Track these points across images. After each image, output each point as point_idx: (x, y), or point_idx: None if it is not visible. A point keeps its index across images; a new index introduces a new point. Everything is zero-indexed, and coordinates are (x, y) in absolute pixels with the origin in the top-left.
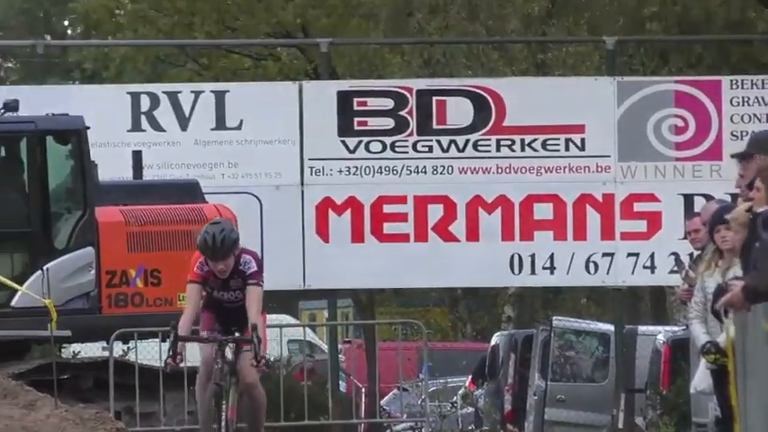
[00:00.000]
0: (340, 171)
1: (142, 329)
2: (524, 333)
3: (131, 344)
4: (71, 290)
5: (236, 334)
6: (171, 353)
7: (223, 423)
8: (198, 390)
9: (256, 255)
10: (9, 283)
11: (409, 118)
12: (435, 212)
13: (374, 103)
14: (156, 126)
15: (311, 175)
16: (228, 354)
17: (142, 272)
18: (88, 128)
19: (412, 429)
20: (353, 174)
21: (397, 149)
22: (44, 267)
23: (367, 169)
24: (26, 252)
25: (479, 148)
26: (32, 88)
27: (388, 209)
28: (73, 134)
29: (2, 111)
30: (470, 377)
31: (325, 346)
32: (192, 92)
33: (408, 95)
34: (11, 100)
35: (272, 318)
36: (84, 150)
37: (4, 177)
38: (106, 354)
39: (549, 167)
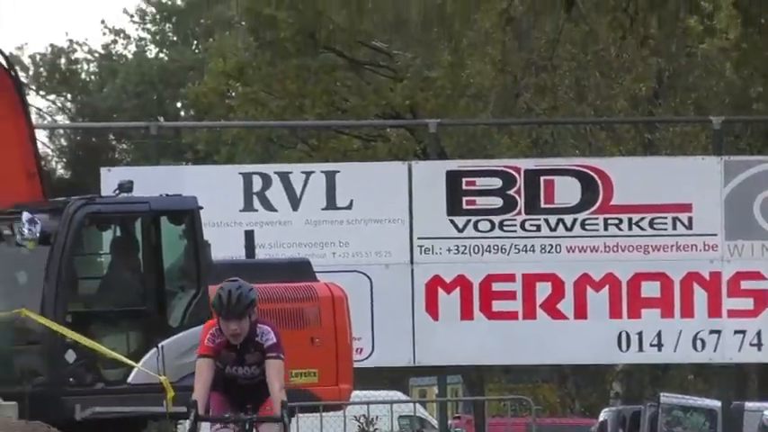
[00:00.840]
0: (449, 250)
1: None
2: (632, 409)
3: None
4: (185, 367)
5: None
6: None
7: None
8: None
9: (274, 326)
10: (125, 360)
11: (517, 197)
12: (543, 290)
13: (482, 183)
14: (268, 206)
15: (420, 253)
16: None
17: None
18: (201, 208)
19: None
20: (462, 252)
21: (505, 228)
22: (159, 345)
23: (476, 248)
24: (141, 330)
25: (587, 227)
26: (146, 169)
27: (496, 287)
28: (186, 214)
29: (117, 192)
30: None
31: (435, 422)
32: (302, 172)
33: (516, 175)
34: (125, 181)
35: (383, 394)
36: (198, 230)
37: (119, 257)
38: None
39: (656, 246)
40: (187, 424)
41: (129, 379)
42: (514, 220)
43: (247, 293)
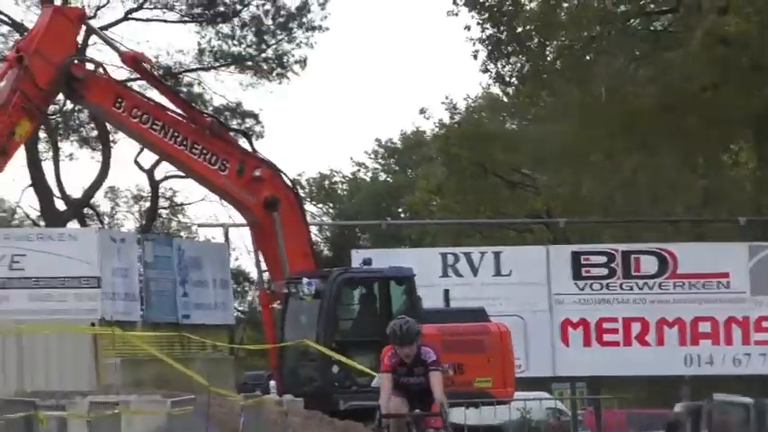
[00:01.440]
0: (574, 302)
1: (452, 401)
2: (695, 405)
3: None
4: None
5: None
6: (376, 430)
7: None
8: None
9: (435, 347)
10: (369, 371)
11: (617, 268)
12: (636, 327)
13: (594, 260)
14: (458, 274)
15: (555, 304)
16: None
17: (452, 365)
18: (415, 275)
19: None
20: (582, 303)
21: (609, 288)
22: None
23: (591, 300)
24: (378, 352)
25: (662, 287)
26: (380, 251)
27: (605, 325)
28: (406, 279)
29: (362, 265)
30: None
31: (569, 412)
32: (479, 252)
33: (616, 254)
34: (367, 258)
35: (535, 394)
36: (413, 289)
37: (364, 306)
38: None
39: (706, 299)
40: (375, 421)
41: (373, 383)
42: (615, 283)
43: (413, 326)
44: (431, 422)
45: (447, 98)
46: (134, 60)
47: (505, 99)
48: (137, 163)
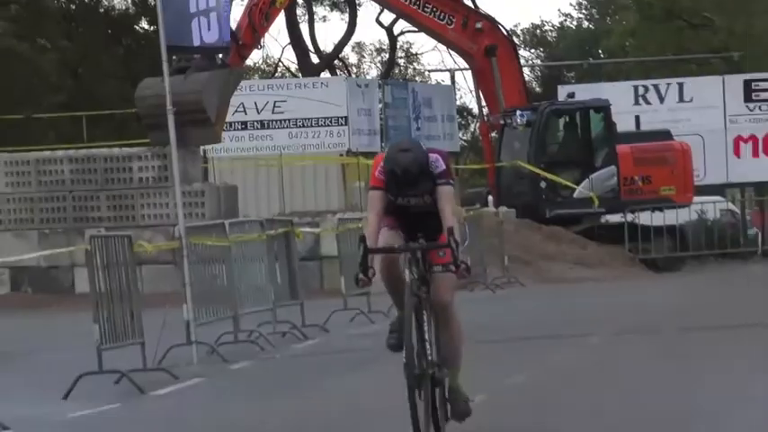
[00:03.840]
0: (745, 121)
1: (642, 207)
2: None
3: (635, 213)
4: (605, 187)
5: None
6: (362, 268)
7: (427, 336)
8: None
9: (444, 153)
10: (573, 185)
11: None
12: None
13: (763, 85)
14: (647, 102)
15: (729, 123)
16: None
17: (641, 177)
18: (611, 105)
19: None
20: (752, 122)
21: None
22: (590, 177)
23: (759, 119)
24: (581, 170)
25: None
26: (582, 86)
27: None
28: (603, 109)
29: (567, 97)
30: None
31: (739, 212)
32: (666, 83)
33: None
34: (571, 92)
35: (710, 198)
36: (609, 116)
37: (570, 132)
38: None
39: None
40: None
41: (574, 195)
42: None
43: (413, 140)
44: (437, 256)
45: None
46: None
47: None
48: (378, 22)
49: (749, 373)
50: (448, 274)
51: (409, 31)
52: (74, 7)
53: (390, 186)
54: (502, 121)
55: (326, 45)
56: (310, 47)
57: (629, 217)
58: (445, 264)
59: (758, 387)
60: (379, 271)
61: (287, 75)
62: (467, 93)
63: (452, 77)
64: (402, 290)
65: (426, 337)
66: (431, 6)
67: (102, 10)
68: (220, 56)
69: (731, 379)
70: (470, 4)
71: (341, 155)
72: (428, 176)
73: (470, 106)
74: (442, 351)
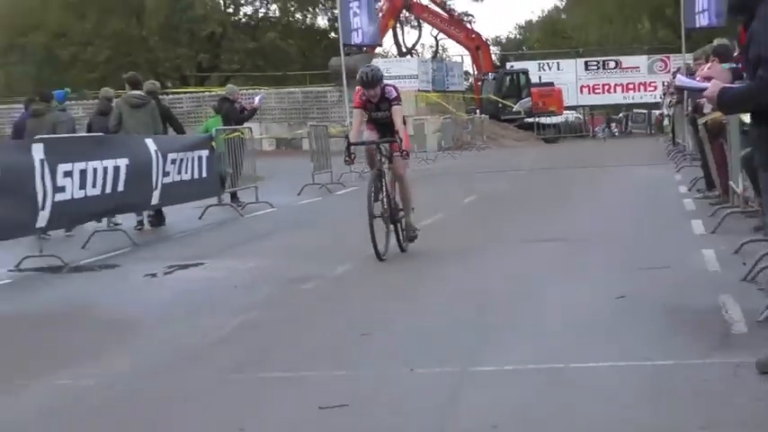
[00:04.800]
0: None
1: (541, 115)
2: None
3: (537, 117)
4: (525, 106)
5: (387, 139)
6: (346, 154)
7: (383, 192)
8: (369, 176)
9: (396, 87)
10: (512, 105)
11: None
12: None
13: None
14: (548, 68)
15: (577, 80)
16: (383, 150)
17: (540, 102)
18: (528, 71)
19: None
20: None
21: None
22: (519, 102)
23: None
24: (515, 99)
25: None
26: (517, 63)
27: None
28: (525, 72)
29: (510, 68)
30: None
31: (581, 117)
32: (547, 63)
33: None
34: (512, 65)
35: (569, 111)
36: (527, 76)
37: (512, 84)
38: None
39: None
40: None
41: (513, 109)
42: None
43: (377, 72)
44: (396, 147)
45: None
46: None
47: None
48: (432, 34)
49: (593, 175)
50: (400, 157)
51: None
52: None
53: (368, 105)
54: (482, 78)
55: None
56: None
57: (535, 119)
58: (399, 151)
59: (592, 184)
60: (366, 154)
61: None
62: (468, 65)
63: (462, 58)
64: (375, 165)
65: (385, 192)
66: (453, 28)
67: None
68: (364, 48)
69: (587, 177)
70: (469, 27)
71: (416, 92)
72: (386, 100)
73: (469, 71)
74: (400, 201)
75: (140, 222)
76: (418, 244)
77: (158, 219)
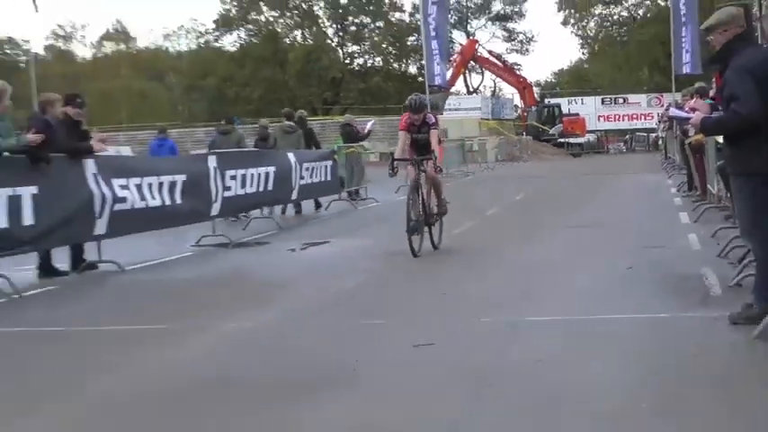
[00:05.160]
0: None
1: (569, 137)
2: None
3: (567, 138)
4: (558, 130)
5: (424, 157)
6: (390, 167)
7: (420, 198)
8: (408, 188)
9: (436, 114)
10: (548, 129)
11: None
12: None
13: None
14: (578, 103)
15: (596, 111)
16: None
17: (569, 127)
18: (560, 105)
19: None
20: None
21: None
22: (554, 127)
23: None
24: (551, 125)
25: None
26: (553, 99)
27: None
28: (557, 106)
29: (547, 102)
30: None
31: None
32: (574, 99)
33: None
34: (548, 100)
35: (590, 135)
36: (560, 109)
37: (548, 114)
38: None
39: None
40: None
41: (549, 132)
42: None
43: (423, 100)
44: (428, 165)
45: None
46: None
47: None
48: (491, 79)
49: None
50: (433, 170)
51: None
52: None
53: (411, 128)
54: (527, 110)
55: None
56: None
57: (566, 139)
58: (434, 166)
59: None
60: (408, 169)
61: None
62: (517, 100)
63: (512, 95)
64: (413, 177)
65: (421, 200)
66: (506, 74)
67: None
68: (442, 88)
69: (604, 181)
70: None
71: (480, 119)
72: (427, 125)
73: (518, 104)
74: (435, 206)
75: (283, 210)
76: (483, 228)
77: (298, 209)
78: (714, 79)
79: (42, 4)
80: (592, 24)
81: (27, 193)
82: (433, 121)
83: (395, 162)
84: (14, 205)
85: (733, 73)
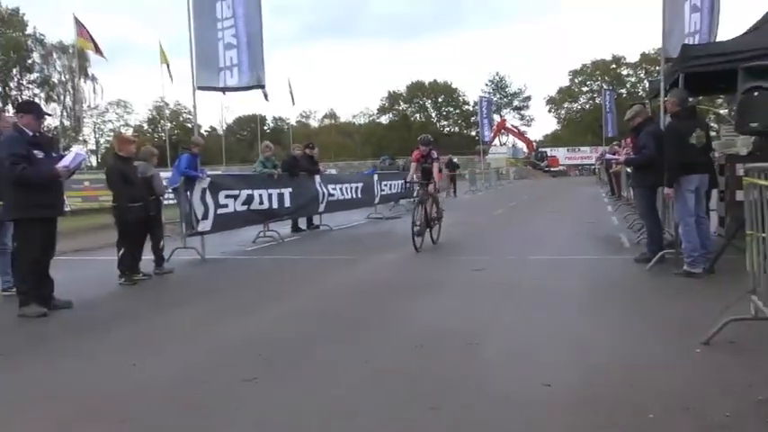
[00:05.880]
0: None
1: (552, 169)
2: None
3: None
4: (544, 166)
5: (428, 181)
6: (408, 187)
7: (423, 212)
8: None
9: (438, 150)
10: (541, 164)
11: None
12: None
13: None
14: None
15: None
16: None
17: (549, 162)
18: (549, 151)
19: None
20: None
21: None
22: (541, 164)
23: None
24: (542, 163)
25: None
26: (544, 147)
27: None
28: (545, 153)
29: (541, 149)
30: None
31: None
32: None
33: None
34: (541, 149)
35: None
36: (548, 156)
37: (539, 157)
38: None
39: None
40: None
41: (542, 165)
42: None
43: (430, 139)
44: (430, 186)
45: None
46: None
47: None
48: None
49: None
50: (433, 189)
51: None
52: None
53: (420, 159)
54: (531, 153)
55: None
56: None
57: (549, 168)
58: (434, 187)
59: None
60: (416, 192)
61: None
62: (525, 148)
63: (524, 146)
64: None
65: (425, 210)
66: (520, 136)
67: None
68: (488, 142)
69: (568, 189)
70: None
71: (506, 158)
72: (430, 158)
73: (525, 150)
74: (435, 213)
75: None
76: (506, 212)
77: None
78: (626, 140)
79: (296, 96)
80: (563, 112)
81: (287, 191)
82: (435, 155)
83: (407, 183)
84: (281, 197)
85: (644, 135)
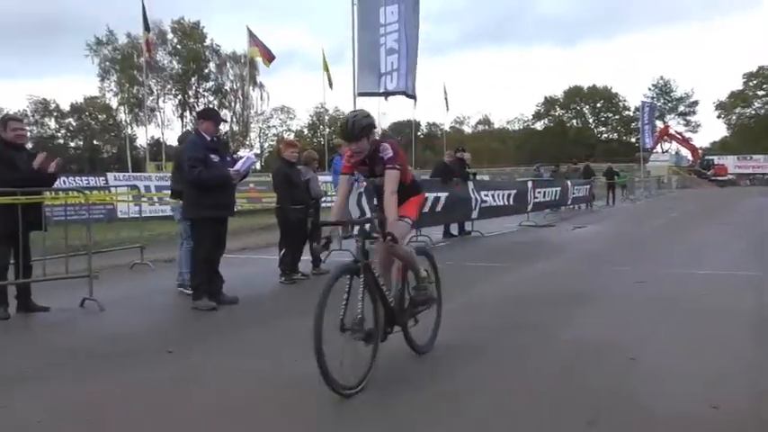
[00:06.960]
0: None
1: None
2: None
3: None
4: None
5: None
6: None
7: (365, 297)
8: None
9: (394, 143)
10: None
11: None
12: None
13: None
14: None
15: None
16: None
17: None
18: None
19: None
20: None
21: None
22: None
23: None
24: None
25: None
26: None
27: None
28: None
29: (539, 168)
30: None
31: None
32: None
33: None
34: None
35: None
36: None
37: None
38: None
39: None
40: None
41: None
42: None
43: (360, 120)
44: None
45: None
46: None
47: None
48: None
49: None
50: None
51: None
52: None
53: (360, 169)
54: (695, 162)
55: None
56: None
57: (716, 177)
58: (382, 234)
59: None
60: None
61: None
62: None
63: (688, 154)
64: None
65: (380, 296)
66: (684, 142)
67: None
68: (650, 149)
69: (738, 200)
70: None
71: (669, 165)
72: (379, 161)
73: (689, 158)
74: (409, 294)
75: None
76: (672, 222)
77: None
78: None
79: (451, 102)
80: (734, 117)
81: (443, 196)
82: (390, 155)
83: (317, 226)
84: (436, 201)
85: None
